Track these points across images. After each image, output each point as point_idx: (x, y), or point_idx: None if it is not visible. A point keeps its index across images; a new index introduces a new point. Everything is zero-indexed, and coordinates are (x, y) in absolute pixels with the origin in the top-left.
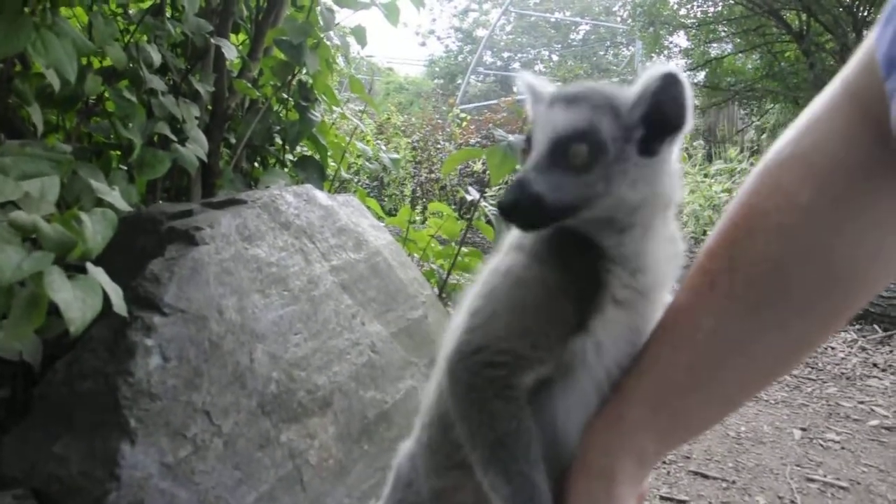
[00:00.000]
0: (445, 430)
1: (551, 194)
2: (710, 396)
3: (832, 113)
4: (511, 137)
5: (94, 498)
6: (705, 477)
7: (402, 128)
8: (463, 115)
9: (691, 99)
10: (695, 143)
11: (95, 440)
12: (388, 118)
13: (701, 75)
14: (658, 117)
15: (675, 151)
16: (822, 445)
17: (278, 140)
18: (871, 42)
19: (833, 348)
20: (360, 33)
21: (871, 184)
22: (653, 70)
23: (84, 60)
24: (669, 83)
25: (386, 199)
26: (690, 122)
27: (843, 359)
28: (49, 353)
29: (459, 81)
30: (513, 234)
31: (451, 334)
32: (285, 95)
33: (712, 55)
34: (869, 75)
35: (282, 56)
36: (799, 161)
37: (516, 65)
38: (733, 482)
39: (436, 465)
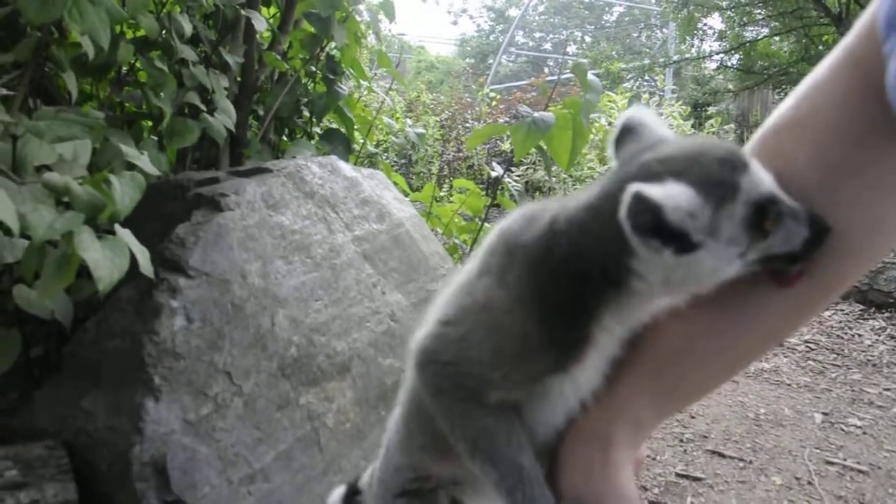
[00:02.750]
0: (413, 413)
1: None
2: (707, 363)
3: (833, 80)
4: (535, 114)
5: (119, 450)
6: (722, 456)
7: (432, 106)
8: (493, 94)
9: None
10: (725, 127)
11: (121, 396)
12: (418, 96)
13: (735, 58)
14: None
15: None
16: (843, 430)
17: (306, 113)
18: (873, 8)
19: (860, 335)
20: (388, 7)
21: (872, 150)
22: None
23: (117, 29)
24: None
25: (414, 176)
26: None
27: (870, 346)
28: (80, 316)
29: (491, 61)
30: (490, 243)
31: (424, 325)
32: (313, 68)
33: (747, 38)
34: (870, 42)
35: (311, 29)
36: (798, 127)
37: (548, 45)
38: (750, 462)
39: (408, 445)
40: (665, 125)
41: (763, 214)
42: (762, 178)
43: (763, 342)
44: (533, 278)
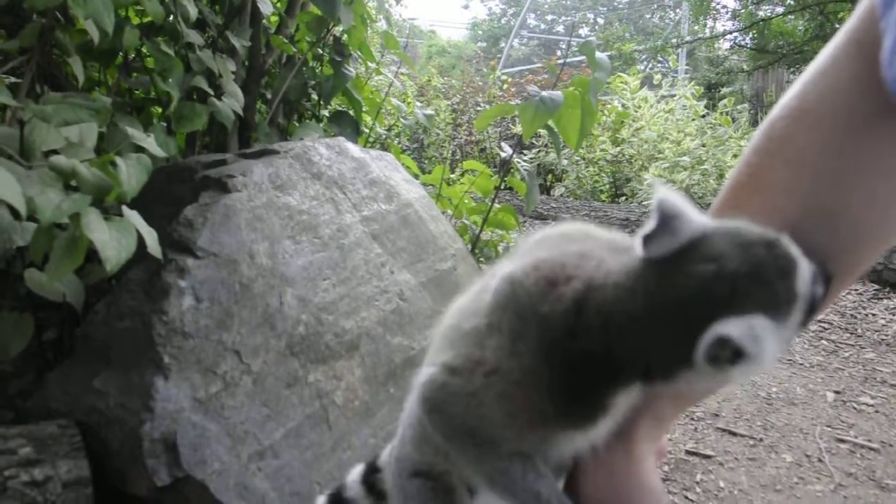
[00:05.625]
0: (424, 430)
1: None
2: None
3: (837, 64)
4: (544, 93)
5: (130, 428)
6: (733, 434)
7: (443, 90)
8: (505, 77)
9: None
10: (739, 107)
11: (132, 375)
12: (429, 80)
13: (748, 37)
14: None
15: None
16: (855, 408)
17: (314, 96)
18: None
19: (874, 315)
20: None
21: (879, 134)
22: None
23: (122, 14)
24: None
25: (426, 161)
26: None
27: (883, 325)
28: (92, 300)
29: (503, 45)
30: (500, 293)
31: (428, 360)
32: (320, 51)
33: (761, 17)
34: (872, 23)
35: (317, 11)
36: (805, 114)
37: (560, 28)
38: (761, 440)
39: (422, 447)
40: (692, 207)
41: (811, 309)
42: (805, 270)
43: None
44: (550, 355)
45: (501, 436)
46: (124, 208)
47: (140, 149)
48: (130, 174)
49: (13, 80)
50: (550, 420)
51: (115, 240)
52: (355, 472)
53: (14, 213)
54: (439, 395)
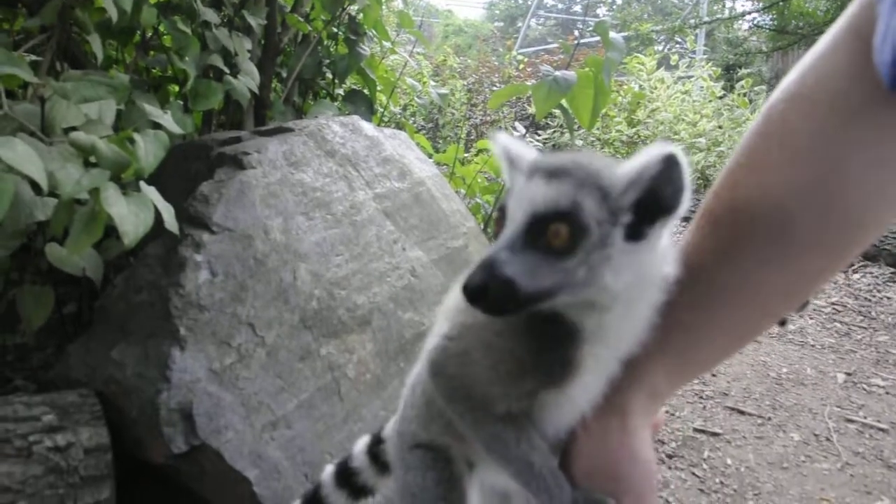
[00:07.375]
0: (430, 403)
1: (524, 279)
2: (716, 334)
3: (836, 50)
4: (557, 73)
5: (147, 397)
6: (741, 413)
7: (459, 70)
8: (521, 57)
9: (689, 180)
10: (757, 89)
11: (149, 346)
12: (445, 60)
13: (768, 18)
14: (651, 202)
15: (665, 233)
16: (865, 389)
17: (329, 74)
18: None
19: (889, 298)
20: None
21: (875, 121)
22: (652, 152)
23: None
24: (670, 166)
25: (441, 140)
26: (686, 205)
27: None
28: (110, 275)
29: (520, 24)
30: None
31: (434, 334)
32: (335, 30)
33: None
34: (871, 9)
35: None
36: (803, 99)
37: (578, 8)
38: (769, 419)
39: (426, 424)
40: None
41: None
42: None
43: (768, 314)
44: None
45: (491, 393)
46: (142, 184)
47: (157, 126)
48: (148, 150)
49: (34, 57)
50: (529, 371)
51: (133, 214)
52: (361, 443)
53: (35, 187)
54: (439, 357)
